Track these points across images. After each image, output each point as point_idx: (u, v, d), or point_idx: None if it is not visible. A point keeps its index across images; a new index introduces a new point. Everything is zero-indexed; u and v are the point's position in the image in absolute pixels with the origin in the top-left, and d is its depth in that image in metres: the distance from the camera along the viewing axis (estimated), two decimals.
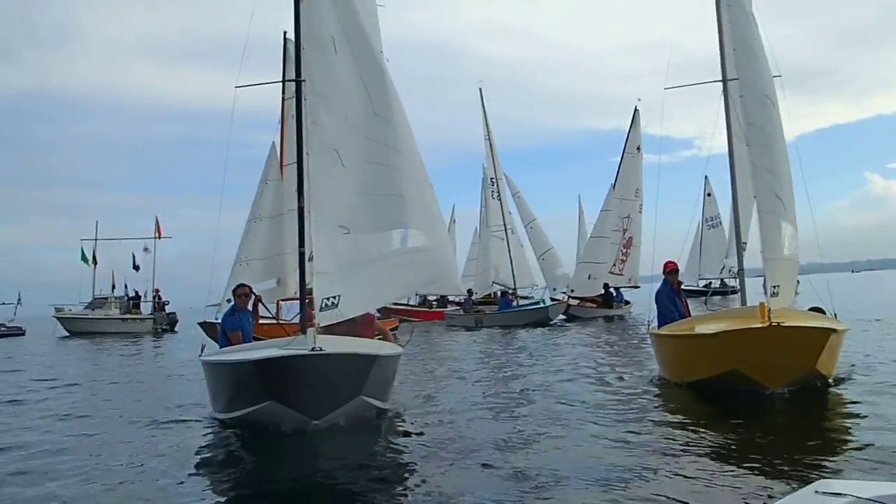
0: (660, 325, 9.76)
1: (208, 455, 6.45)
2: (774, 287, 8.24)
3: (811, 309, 9.54)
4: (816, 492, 2.27)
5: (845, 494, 2.19)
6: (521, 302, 29.71)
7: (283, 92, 20.28)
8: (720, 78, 10.11)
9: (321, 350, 6.10)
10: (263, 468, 5.94)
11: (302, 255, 7.87)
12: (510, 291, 29.67)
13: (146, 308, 34.36)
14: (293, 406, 6.26)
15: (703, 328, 8.79)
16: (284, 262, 19.09)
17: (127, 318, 32.75)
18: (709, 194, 46.03)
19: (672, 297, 9.77)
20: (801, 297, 13.91)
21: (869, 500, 2.13)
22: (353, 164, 7.23)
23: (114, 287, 34.67)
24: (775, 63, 9.49)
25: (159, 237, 34.97)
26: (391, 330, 22.20)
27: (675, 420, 7.12)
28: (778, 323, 7.39)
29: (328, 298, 6.82)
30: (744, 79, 9.17)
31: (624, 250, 30.40)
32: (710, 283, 42.84)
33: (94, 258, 35.31)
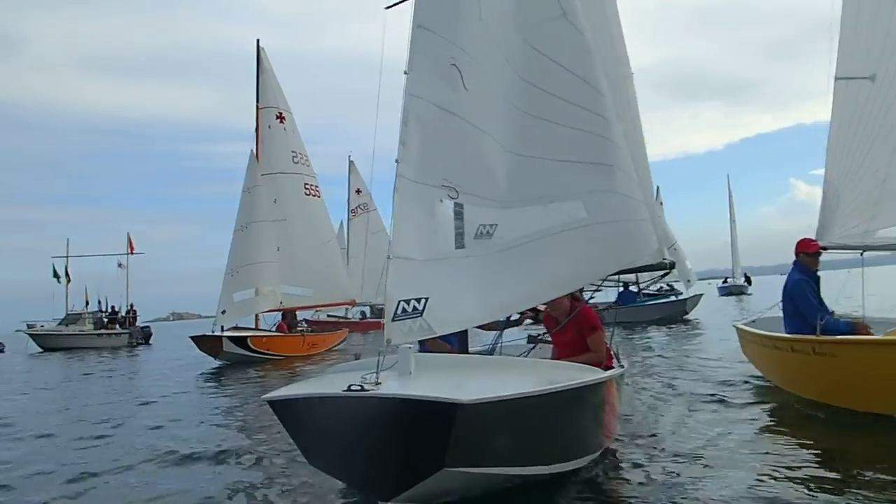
0: (794, 329, 6.75)
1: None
2: None
3: None
4: None
5: None
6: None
7: (258, 98, 20.36)
8: None
9: (362, 388, 3.49)
10: None
11: None
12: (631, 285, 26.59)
13: None
14: (334, 473, 4.09)
15: None
16: (258, 271, 19.14)
17: (102, 333, 32.52)
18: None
19: (814, 289, 6.82)
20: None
21: None
22: (483, 91, 4.80)
23: (87, 303, 34.33)
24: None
25: (132, 253, 34.81)
26: (339, 342, 21.09)
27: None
28: None
29: (406, 302, 4.23)
30: None
31: None
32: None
33: (67, 274, 35.12)
